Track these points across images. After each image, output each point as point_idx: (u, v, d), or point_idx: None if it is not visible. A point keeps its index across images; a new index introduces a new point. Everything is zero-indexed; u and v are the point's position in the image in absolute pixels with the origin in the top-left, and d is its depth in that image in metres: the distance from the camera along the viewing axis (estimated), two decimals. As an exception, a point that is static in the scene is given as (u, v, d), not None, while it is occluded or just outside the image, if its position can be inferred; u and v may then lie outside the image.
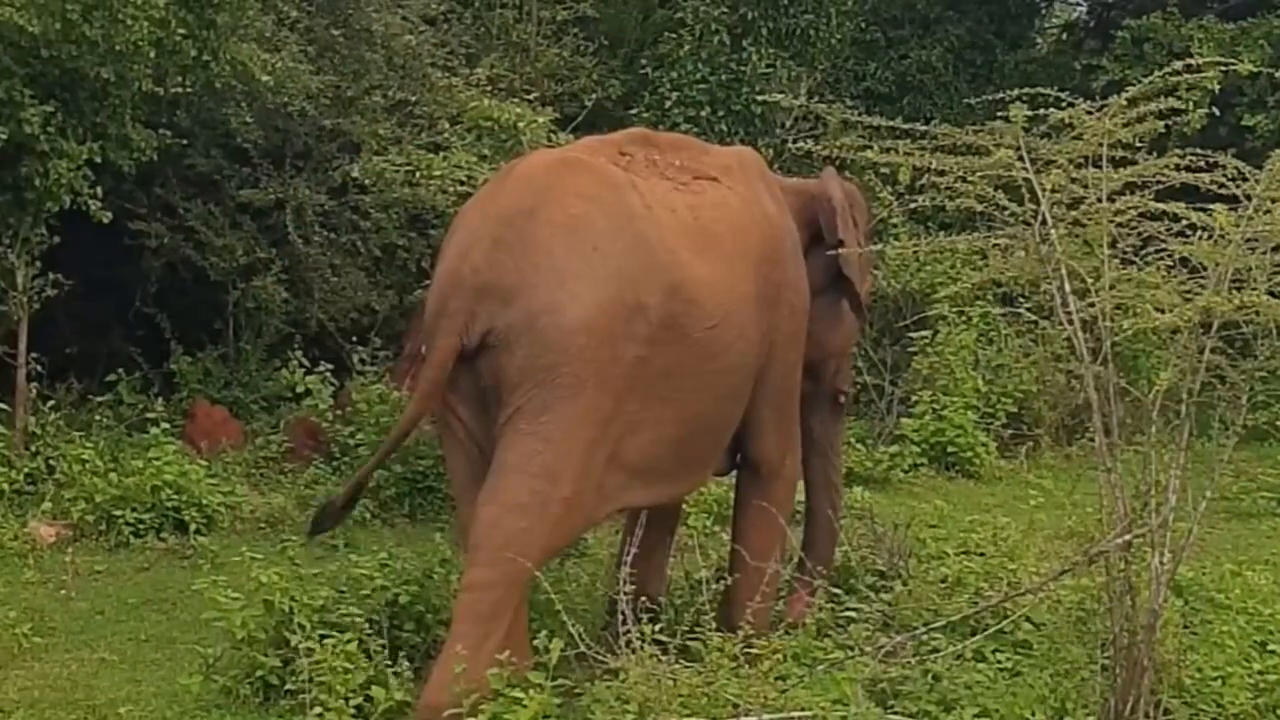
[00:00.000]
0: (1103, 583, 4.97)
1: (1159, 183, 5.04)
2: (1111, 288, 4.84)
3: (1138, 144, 5.12)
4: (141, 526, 7.65)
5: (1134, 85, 5.21)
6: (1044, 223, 4.94)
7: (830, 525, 6.10)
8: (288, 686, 5.07)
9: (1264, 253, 4.78)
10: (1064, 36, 16.30)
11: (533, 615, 4.99)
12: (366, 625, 5.13)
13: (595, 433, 4.79)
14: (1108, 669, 4.83)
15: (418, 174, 9.69)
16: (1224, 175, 4.96)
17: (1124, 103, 5.12)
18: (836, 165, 6.40)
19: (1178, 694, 4.88)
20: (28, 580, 6.85)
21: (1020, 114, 5.09)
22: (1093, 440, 4.90)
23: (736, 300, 5.18)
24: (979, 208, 5.14)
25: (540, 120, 9.92)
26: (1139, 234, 4.97)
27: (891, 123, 5.48)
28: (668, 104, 12.65)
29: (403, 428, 5.22)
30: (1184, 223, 4.94)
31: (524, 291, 4.73)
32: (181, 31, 8.04)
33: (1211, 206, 4.89)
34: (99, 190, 8.28)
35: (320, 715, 4.69)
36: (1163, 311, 4.72)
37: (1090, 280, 4.88)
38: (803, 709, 4.36)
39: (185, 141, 9.74)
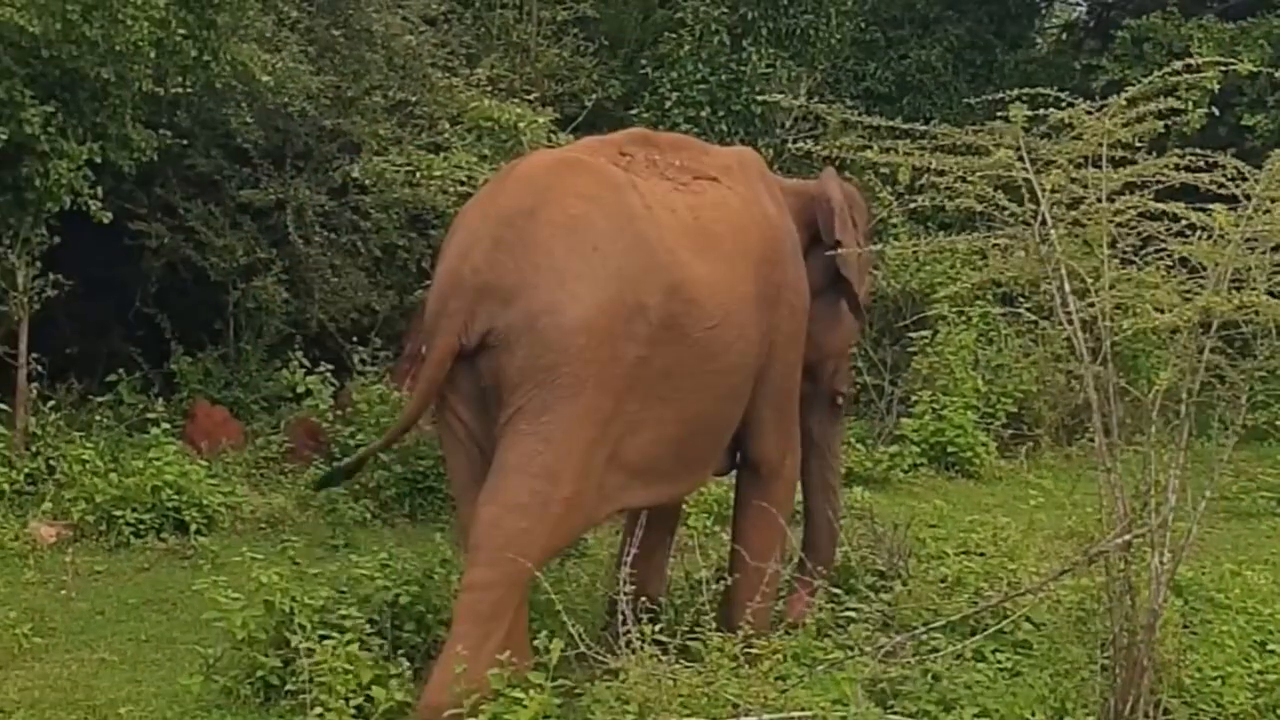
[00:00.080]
0: (1103, 583, 4.97)
1: (1159, 183, 5.04)
2: (1111, 288, 4.83)
3: (1137, 144, 5.12)
4: (142, 527, 7.65)
5: (1134, 85, 5.21)
6: (1044, 223, 4.94)
7: (830, 525, 6.11)
8: (288, 687, 5.07)
9: (1263, 253, 4.78)
10: (1064, 36, 16.29)
11: (533, 615, 4.99)
12: (367, 625, 5.14)
13: (595, 433, 4.79)
14: (1108, 669, 4.83)
15: (418, 174, 9.69)
16: (1223, 175, 4.95)
17: (1124, 103, 5.11)
18: (836, 165, 6.39)
19: (1178, 694, 4.88)
20: (28, 580, 6.85)
21: (1020, 114, 5.09)
22: (1093, 440, 4.90)
23: (736, 300, 5.18)
24: (979, 208, 5.13)
25: (540, 120, 9.92)
26: (1139, 234, 4.96)
27: (891, 123, 5.47)
28: (668, 104, 12.65)
29: (403, 424, 5.37)
30: (1184, 223, 4.93)
31: (524, 292, 4.74)
32: (182, 32, 8.04)
33: (1211, 206, 4.89)
34: (99, 190, 8.28)
35: (320, 716, 4.69)
36: (1162, 311, 4.72)
37: (1090, 280, 4.88)
38: (803, 709, 4.36)
39: (185, 142, 9.73)
